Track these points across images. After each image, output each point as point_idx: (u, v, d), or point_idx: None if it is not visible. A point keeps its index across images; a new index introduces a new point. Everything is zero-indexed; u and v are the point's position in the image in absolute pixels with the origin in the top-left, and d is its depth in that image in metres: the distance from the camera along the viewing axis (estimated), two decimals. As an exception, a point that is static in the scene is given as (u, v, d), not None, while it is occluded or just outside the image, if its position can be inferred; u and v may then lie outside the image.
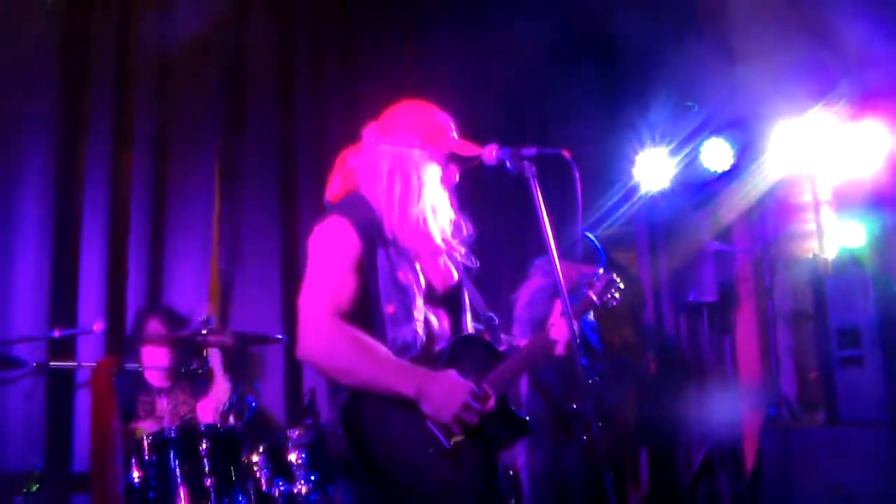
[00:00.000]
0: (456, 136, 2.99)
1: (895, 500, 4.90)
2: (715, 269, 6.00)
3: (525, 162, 2.79)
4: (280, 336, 4.96)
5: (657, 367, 6.04)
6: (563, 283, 2.74)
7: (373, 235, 2.83)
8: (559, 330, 2.96)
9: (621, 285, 3.16)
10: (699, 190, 6.39)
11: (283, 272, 5.70)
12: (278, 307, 5.61)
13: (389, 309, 2.79)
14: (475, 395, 2.74)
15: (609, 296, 3.15)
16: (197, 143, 5.72)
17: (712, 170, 6.31)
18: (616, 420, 5.36)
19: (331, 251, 2.79)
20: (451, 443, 2.71)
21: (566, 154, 2.78)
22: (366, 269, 2.80)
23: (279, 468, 4.10)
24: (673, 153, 6.37)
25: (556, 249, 2.76)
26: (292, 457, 4.13)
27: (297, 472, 4.09)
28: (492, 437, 2.84)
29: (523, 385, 5.15)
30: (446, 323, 2.98)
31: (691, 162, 6.33)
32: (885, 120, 5.82)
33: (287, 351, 5.44)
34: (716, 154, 6.28)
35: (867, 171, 6.09)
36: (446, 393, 2.68)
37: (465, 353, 2.89)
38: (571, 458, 4.89)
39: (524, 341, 3.14)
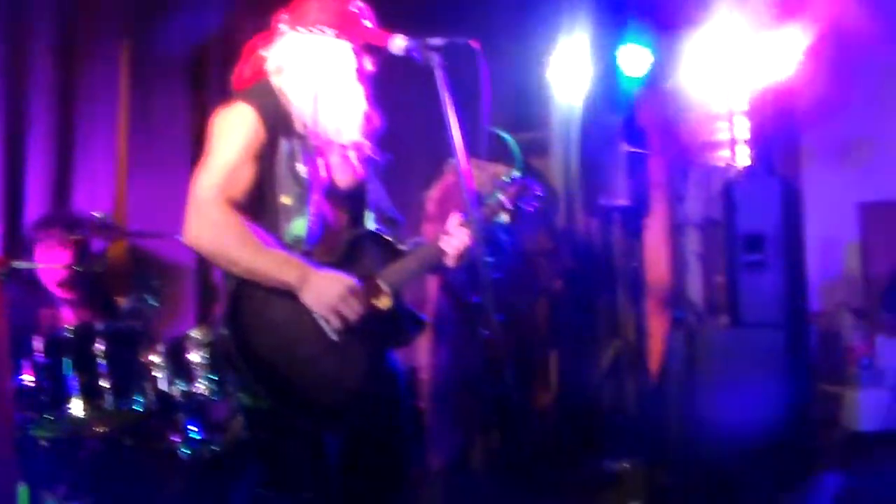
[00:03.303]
0: (370, 25, 2.90)
1: (786, 395, 5.08)
2: (627, 174, 5.99)
3: (432, 52, 2.71)
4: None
5: (568, 271, 6.05)
6: (469, 184, 2.69)
7: (277, 125, 2.78)
8: (454, 241, 2.96)
9: (537, 192, 3.13)
10: (615, 94, 6.35)
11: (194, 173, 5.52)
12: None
13: (284, 201, 2.77)
14: (357, 288, 2.73)
15: (522, 201, 3.14)
16: (104, 40, 5.47)
17: (629, 74, 6.27)
18: (527, 323, 5.39)
19: (230, 137, 2.75)
20: (336, 335, 2.70)
21: (474, 45, 2.71)
22: (265, 159, 2.76)
23: (179, 368, 4.01)
24: (589, 56, 6.29)
25: (467, 147, 2.69)
26: (193, 356, 4.05)
27: (197, 372, 4.02)
28: (382, 335, 2.84)
29: (433, 283, 5.16)
30: (346, 219, 2.96)
31: (608, 66, 6.27)
32: (798, 25, 5.84)
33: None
34: (633, 59, 6.24)
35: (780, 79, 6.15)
36: (326, 284, 2.68)
37: (362, 250, 2.89)
38: (475, 355, 4.95)
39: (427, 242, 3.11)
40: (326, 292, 2.67)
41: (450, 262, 2.99)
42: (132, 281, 4.56)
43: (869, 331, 7.96)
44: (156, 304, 4.33)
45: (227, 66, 5.10)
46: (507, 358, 2.77)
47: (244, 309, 2.66)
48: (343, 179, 2.94)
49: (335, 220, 2.91)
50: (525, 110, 6.55)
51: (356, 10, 2.90)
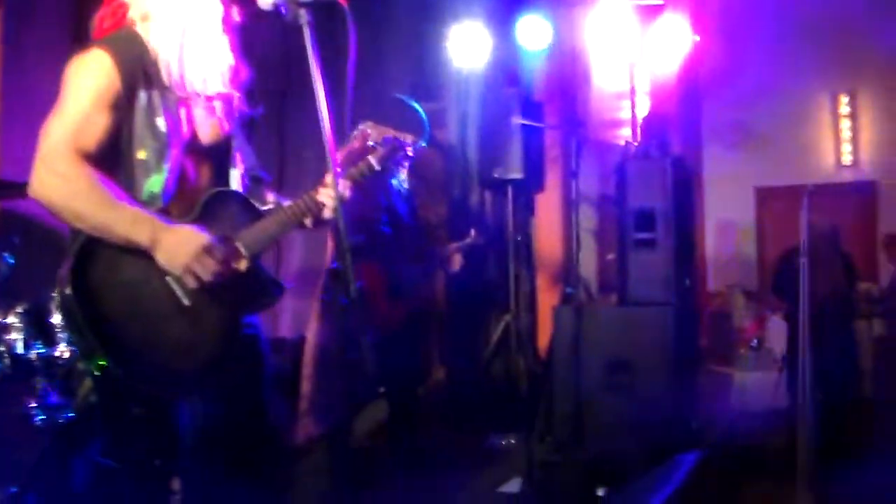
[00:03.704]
0: None
1: (668, 371, 5.12)
2: (522, 147, 5.93)
3: (300, 9, 2.57)
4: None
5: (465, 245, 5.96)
6: (331, 145, 2.60)
7: (135, 75, 2.59)
8: (332, 192, 2.79)
9: (410, 153, 3.04)
10: (513, 67, 6.29)
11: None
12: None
13: (141, 156, 2.59)
14: (213, 247, 2.58)
15: (392, 162, 3.05)
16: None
17: (528, 48, 6.21)
18: (416, 295, 5.30)
19: (83, 84, 2.55)
20: (188, 299, 2.56)
21: (342, 2, 2.60)
22: (120, 110, 2.58)
23: (39, 330, 3.81)
24: (488, 28, 6.22)
25: (333, 106, 2.57)
26: (55, 318, 3.84)
27: (60, 335, 3.81)
28: (239, 299, 2.70)
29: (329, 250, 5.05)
30: (208, 176, 2.79)
31: (506, 37, 6.20)
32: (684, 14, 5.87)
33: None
34: (532, 32, 6.17)
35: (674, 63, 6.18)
36: (180, 242, 2.52)
37: (221, 208, 2.71)
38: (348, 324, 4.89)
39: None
40: (180, 250, 2.52)
41: (327, 213, 2.86)
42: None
43: (760, 312, 8.13)
44: (12, 260, 4.08)
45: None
46: (365, 325, 2.66)
47: (90, 268, 2.49)
48: (207, 134, 2.78)
49: (196, 176, 2.75)
50: (425, 81, 6.47)
51: None
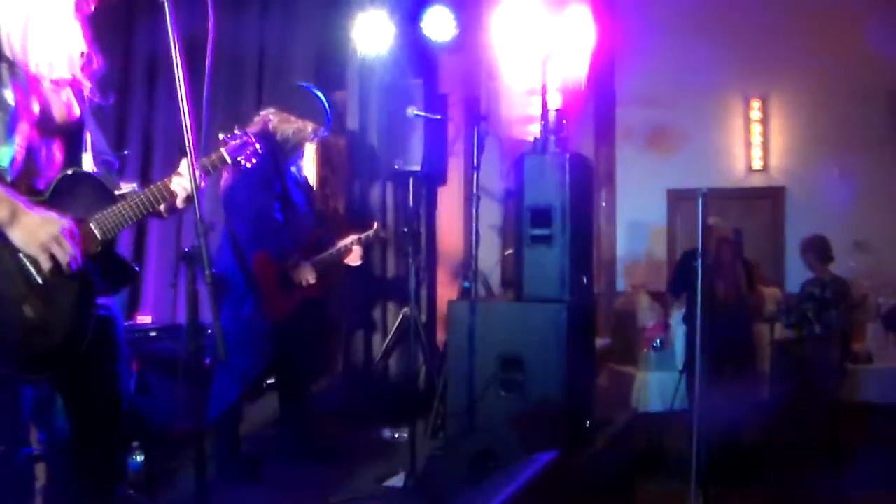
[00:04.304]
0: None
1: (561, 368, 5.08)
2: (424, 139, 5.88)
3: None
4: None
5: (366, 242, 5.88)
6: (192, 132, 2.59)
7: None
8: (184, 181, 2.84)
9: (258, 148, 3.07)
10: (417, 57, 6.24)
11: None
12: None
13: None
14: (72, 230, 2.62)
15: (241, 157, 3.08)
16: None
17: (433, 38, 6.17)
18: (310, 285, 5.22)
19: None
20: (42, 279, 2.58)
21: None
22: None
23: None
24: (393, 18, 6.16)
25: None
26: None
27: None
28: (90, 282, 2.73)
29: (223, 236, 4.96)
30: (59, 156, 2.79)
31: (412, 28, 6.15)
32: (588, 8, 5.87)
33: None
34: (438, 23, 6.13)
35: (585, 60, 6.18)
36: (39, 223, 2.56)
37: (73, 190, 2.74)
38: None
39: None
40: (38, 231, 2.55)
41: (180, 202, 2.90)
42: None
43: (664, 313, 8.17)
44: None
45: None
46: (217, 311, 2.63)
47: None
48: (57, 116, 2.78)
49: (47, 156, 2.75)
50: (330, 69, 6.40)
51: None
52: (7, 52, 2.64)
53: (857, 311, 7.58)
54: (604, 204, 9.39)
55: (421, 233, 6.32)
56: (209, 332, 4.52)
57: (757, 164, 9.35)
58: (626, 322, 8.44)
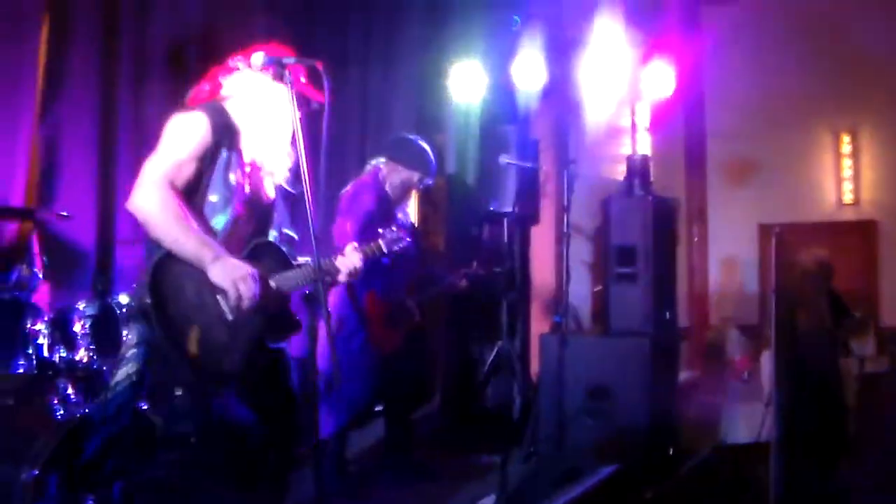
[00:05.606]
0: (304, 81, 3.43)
1: (642, 397, 5.46)
2: (517, 182, 6.27)
3: (285, 69, 3.31)
4: (65, 213, 4.94)
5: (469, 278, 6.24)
6: (311, 204, 3.18)
7: (222, 137, 3.34)
8: (347, 261, 3.63)
9: (407, 239, 3.99)
10: (510, 104, 6.62)
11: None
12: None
13: (213, 198, 3.34)
14: (256, 276, 3.26)
15: (396, 246, 4.01)
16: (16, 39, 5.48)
17: (524, 86, 6.55)
18: (412, 323, 5.60)
19: (185, 136, 3.29)
20: (231, 315, 3.24)
21: (319, 66, 3.28)
22: (206, 161, 3.31)
23: (62, 336, 4.33)
24: (487, 66, 6.57)
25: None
26: (77, 327, 4.36)
27: (80, 342, 4.34)
28: (266, 325, 3.37)
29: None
30: (253, 226, 3.51)
31: (504, 77, 6.54)
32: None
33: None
34: (528, 70, 6.50)
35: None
36: (234, 265, 3.23)
37: (263, 254, 3.45)
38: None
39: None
40: (233, 271, 3.21)
41: (342, 277, 3.67)
42: (23, 255, 4.77)
43: (754, 347, 8.31)
44: (40, 276, 4.57)
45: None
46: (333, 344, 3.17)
47: (167, 275, 3.17)
48: (260, 196, 3.52)
49: (245, 226, 3.46)
50: (428, 114, 6.83)
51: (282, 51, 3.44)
52: (239, 146, 3.38)
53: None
54: (696, 239, 9.58)
55: (515, 270, 6.67)
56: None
57: (848, 197, 9.44)
58: (714, 355, 8.62)
